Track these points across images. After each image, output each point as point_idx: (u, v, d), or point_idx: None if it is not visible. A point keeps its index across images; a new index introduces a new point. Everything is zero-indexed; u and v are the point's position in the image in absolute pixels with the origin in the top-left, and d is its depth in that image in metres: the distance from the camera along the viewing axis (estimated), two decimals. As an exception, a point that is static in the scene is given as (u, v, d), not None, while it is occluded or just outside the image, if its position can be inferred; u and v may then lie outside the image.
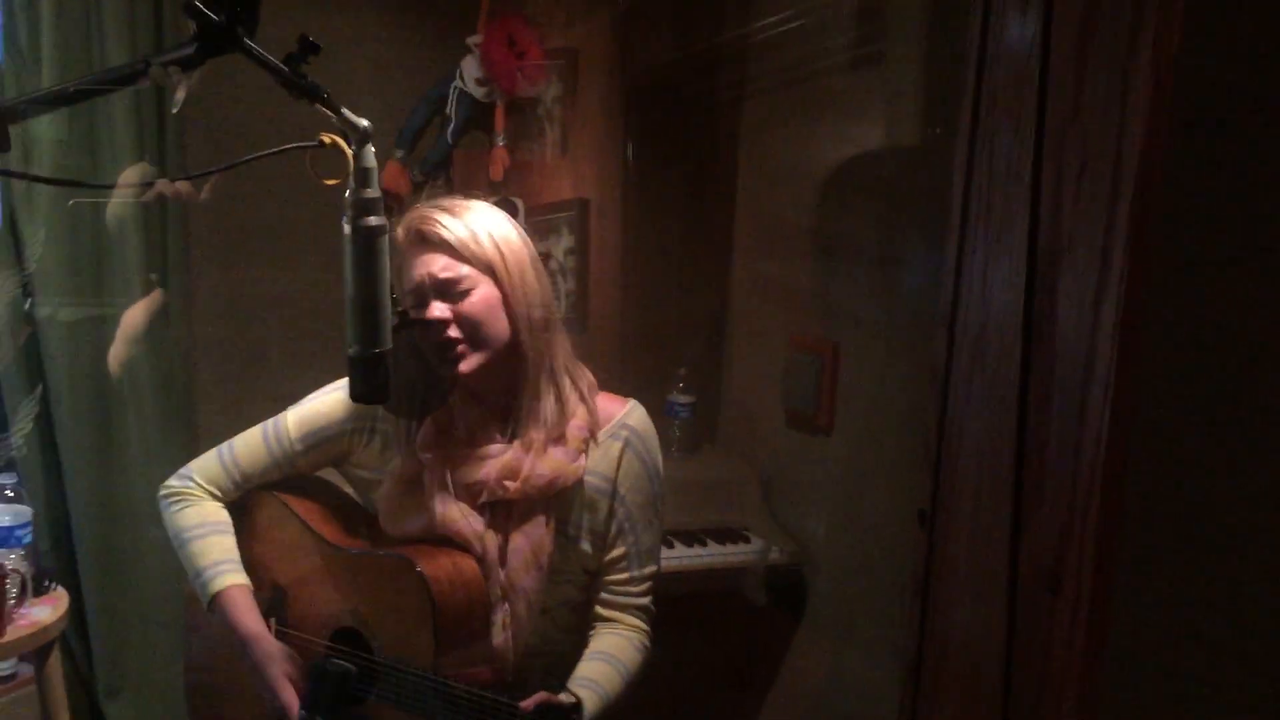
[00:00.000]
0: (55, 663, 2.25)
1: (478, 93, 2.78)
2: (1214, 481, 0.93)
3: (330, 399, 1.80)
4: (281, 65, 1.35)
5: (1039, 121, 0.91)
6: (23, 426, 2.52)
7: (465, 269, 1.65)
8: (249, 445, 1.81)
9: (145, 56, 1.30)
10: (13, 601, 2.13)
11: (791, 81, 2.94)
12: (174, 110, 2.70)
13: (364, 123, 1.43)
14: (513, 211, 2.94)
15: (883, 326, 2.52)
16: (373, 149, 1.45)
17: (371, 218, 1.43)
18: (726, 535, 2.80)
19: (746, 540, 2.80)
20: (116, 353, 2.59)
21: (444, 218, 1.66)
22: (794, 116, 2.93)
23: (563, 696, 1.61)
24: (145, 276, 2.64)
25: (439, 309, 1.64)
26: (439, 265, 1.65)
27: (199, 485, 1.80)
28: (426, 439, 1.71)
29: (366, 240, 1.44)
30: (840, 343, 2.65)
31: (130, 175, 2.61)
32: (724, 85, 3.21)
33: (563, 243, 3.18)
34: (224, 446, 1.83)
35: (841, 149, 2.71)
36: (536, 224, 3.16)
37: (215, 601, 1.72)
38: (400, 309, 1.64)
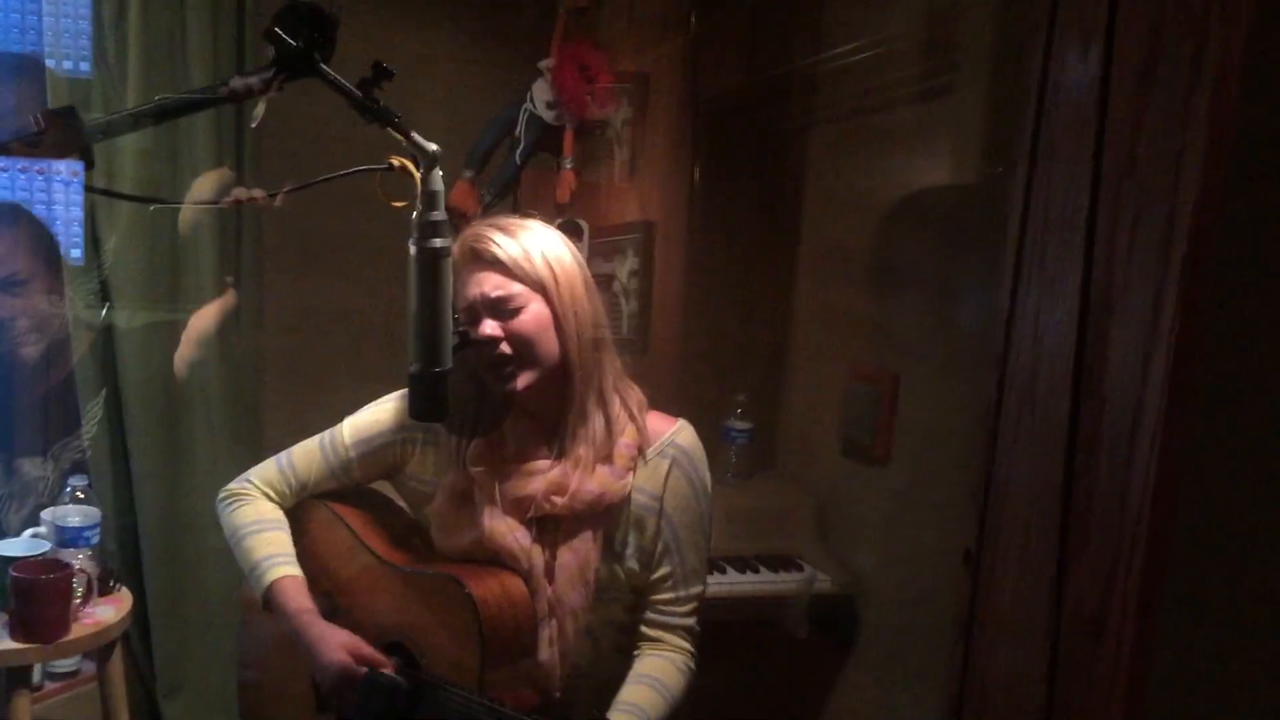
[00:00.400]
0: (117, 662, 2.30)
1: (547, 116, 2.82)
2: (1262, 534, 0.92)
3: (384, 409, 1.84)
4: (355, 90, 1.40)
5: (1095, 168, 0.92)
6: (89, 430, 2.59)
7: (517, 287, 1.67)
8: (306, 453, 1.85)
9: (225, 80, 1.35)
10: (78, 600, 2.19)
11: (859, 111, 2.95)
12: (253, 124, 2.77)
13: (433, 147, 1.46)
14: (577, 233, 2.98)
15: (942, 360, 2.50)
16: (440, 173, 1.48)
17: (437, 240, 1.47)
18: (779, 562, 2.80)
19: (799, 568, 2.79)
20: (183, 354, 2.65)
21: (499, 236, 1.69)
22: (861, 146, 2.93)
23: (604, 721, 1.63)
24: (221, 279, 2.70)
25: (490, 326, 1.67)
26: (492, 284, 1.68)
27: (256, 488, 1.85)
28: (476, 454, 1.74)
29: (431, 262, 1.47)
30: (900, 374, 2.64)
31: (209, 180, 2.67)
32: (792, 113, 3.21)
33: (627, 265, 3.20)
34: (283, 454, 1.87)
35: (907, 181, 2.71)
36: (602, 245, 3.19)
37: (270, 592, 1.75)
38: (461, 329, 1.68)
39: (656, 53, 3.20)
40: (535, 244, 1.70)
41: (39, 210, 2.68)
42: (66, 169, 2.77)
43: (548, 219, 2.01)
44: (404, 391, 1.81)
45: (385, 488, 1.93)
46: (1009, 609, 1.01)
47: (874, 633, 2.71)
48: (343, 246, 2.88)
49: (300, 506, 1.87)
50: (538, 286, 1.68)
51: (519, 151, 2.85)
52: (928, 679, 2.48)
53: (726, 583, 2.68)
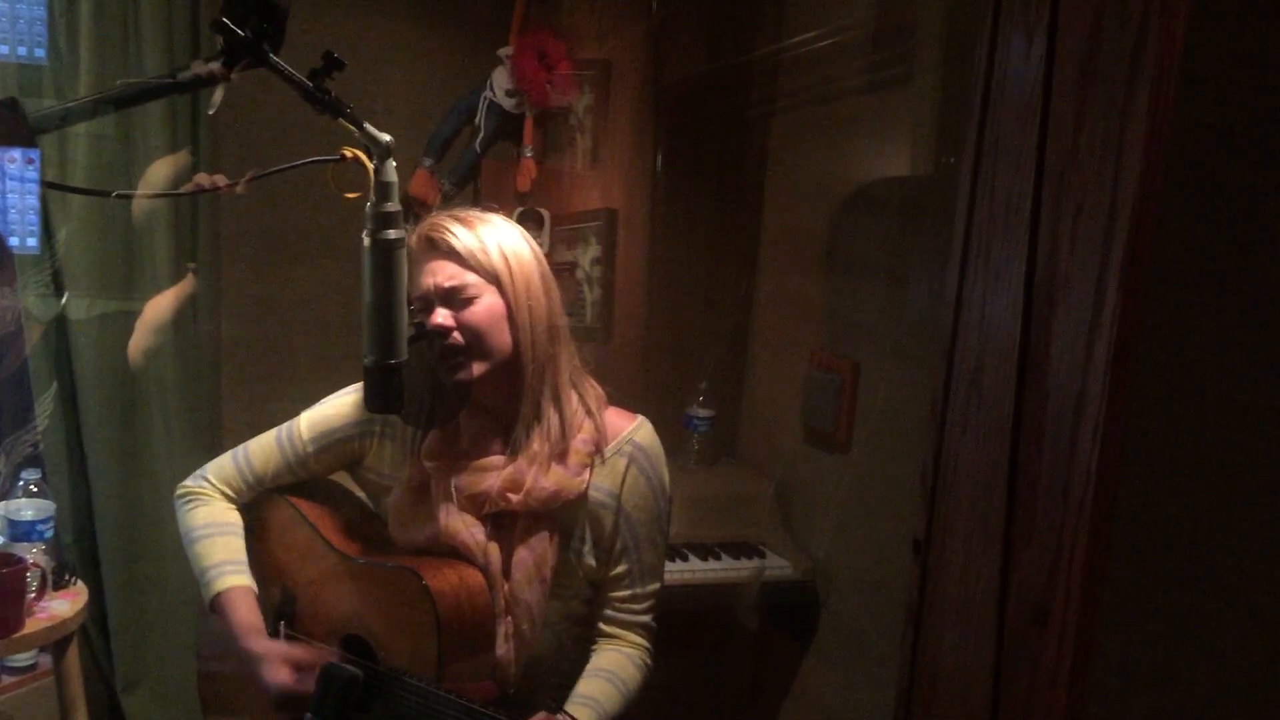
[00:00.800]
0: (73, 656, 2.29)
1: (507, 104, 2.81)
2: (1202, 522, 0.94)
3: (342, 401, 1.82)
4: (306, 81, 1.38)
5: (1040, 159, 0.93)
6: (42, 423, 2.56)
7: (471, 278, 1.67)
8: (263, 447, 1.84)
9: (174, 71, 1.34)
10: (32, 595, 2.18)
11: (820, 99, 2.95)
12: (210, 112, 2.74)
13: (386, 138, 1.45)
14: (538, 223, 2.98)
15: (900, 347, 2.52)
16: (394, 164, 1.48)
17: (390, 231, 1.46)
18: (741, 549, 2.81)
19: (760, 555, 2.80)
20: (138, 342, 2.62)
21: (455, 227, 1.69)
22: (821, 134, 2.94)
23: (561, 718, 1.63)
24: (177, 267, 2.67)
25: (442, 316, 1.66)
26: (446, 273, 1.67)
27: (212, 485, 1.83)
28: (431, 449, 1.73)
29: (384, 253, 1.47)
30: (860, 362, 2.66)
31: (166, 166, 2.64)
32: (754, 101, 3.22)
33: (590, 252, 3.20)
34: (239, 449, 1.85)
35: (865, 169, 2.72)
36: (565, 233, 3.19)
37: (216, 602, 1.74)
38: (417, 320, 1.67)
39: (618, 40, 3.19)
40: (492, 236, 1.69)
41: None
42: (21, 156, 2.75)
43: (508, 208, 2.01)
44: (360, 384, 1.81)
45: (345, 479, 1.92)
46: (957, 597, 1.02)
47: (834, 619, 2.73)
48: (301, 236, 2.86)
49: (257, 500, 1.85)
50: (492, 278, 1.67)
51: (479, 140, 2.84)
52: (886, 665, 2.49)
53: (688, 570, 2.69)
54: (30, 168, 2.75)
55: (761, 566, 2.75)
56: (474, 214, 1.73)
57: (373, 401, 1.52)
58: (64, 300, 2.56)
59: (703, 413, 3.03)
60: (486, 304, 1.67)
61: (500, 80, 2.82)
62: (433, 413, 1.71)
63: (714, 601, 2.70)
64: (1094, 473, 0.86)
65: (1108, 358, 0.85)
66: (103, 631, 2.67)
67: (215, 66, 1.34)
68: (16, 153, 2.81)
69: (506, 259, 1.68)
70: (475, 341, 1.66)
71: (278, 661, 1.65)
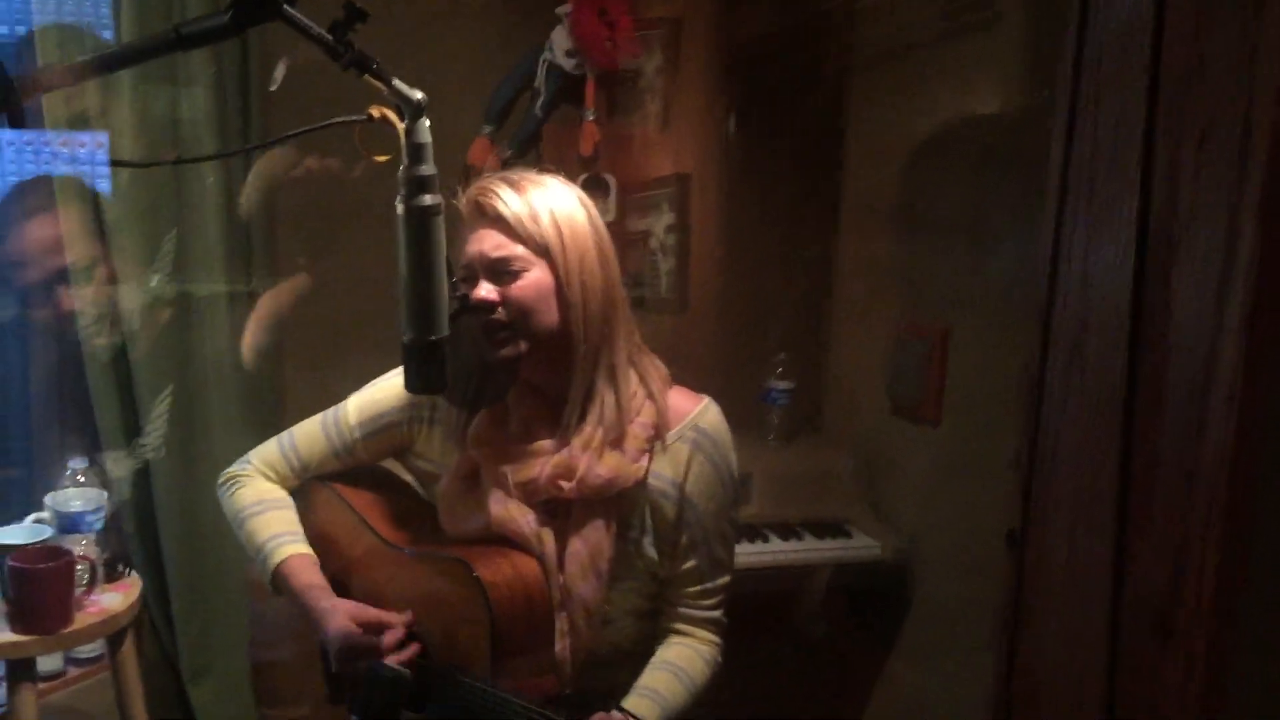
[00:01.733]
0: (129, 649, 2.23)
1: (567, 65, 2.67)
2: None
3: (390, 384, 1.73)
4: (325, 34, 1.27)
5: (1153, 75, 0.77)
6: (157, 426, 2.53)
7: (518, 249, 1.54)
8: (308, 433, 1.75)
9: (176, 25, 1.23)
10: (82, 589, 2.12)
11: (899, 50, 2.78)
12: (272, 88, 2.67)
13: (418, 95, 1.34)
14: (603, 189, 2.85)
15: (996, 311, 2.35)
16: (427, 123, 1.36)
17: (425, 196, 1.35)
18: (825, 529, 2.67)
19: (847, 535, 2.66)
20: (251, 338, 2.58)
21: (504, 191, 1.56)
22: (901, 87, 2.77)
23: (617, 716, 1.51)
24: (289, 259, 2.61)
25: (486, 289, 1.54)
26: (491, 242, 1.55)
27: (256, 469, 1.75)
28: (479, 434, 1.62)
29: (420, 221, 1.35)
30: (951, 328, 2.49)
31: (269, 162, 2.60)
32: (830, 55, 3.05)
33: (663, 220, 3.07)
34: (284, 434, 1.77)
35: (950, 121, 2.55)
36: (636, 201, 3.06)
37: (278, 572, 1.65)
38: (460, 293, 1.55)
39: (689, -3, 3.05)
40: (543, 202, 1.56)
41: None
42: (91, 141, 2.70)
43: (572, 174, 1.88)
44: None
45: (395, 467, 1.82)
46: (1061, 601, 0.87)
47: (927, 604, 2.58)
48: (359, 212, 2.77)
49: (303, 488, 1.77)
50: (541, 249, 1.55)
51: (539, 104, 2.71)
52: (985, 656, 2.34)
53: (769, 551, 2.56)
54: (100, 150, 2.72)
55: (865, 545, 2.62)
56: (527, 177, 1.60)
57: (412, 382, 1.40)
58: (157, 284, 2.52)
59: (782, 385, 2.88)
60: (534, 278, 1.54)
61: (560, 40, 2.68)
62: (480, 394, 1.59)
63: (797, 583, 2.58)
64: (1228, 453, 0.71)
65: (1244, 312, 0.69)
66: (168, 621, 2.62)
67: (224, 19, 1.23)
68: (86, 135, 2.79)
69: (559, 227, 1.55)
70: (520, 318, 1.54)
71: (345, 615, 1.56)
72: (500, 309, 1.54)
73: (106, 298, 2.50)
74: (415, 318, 1.38)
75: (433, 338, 1.38)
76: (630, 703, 1.58)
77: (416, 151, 1.35)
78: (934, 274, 2.59)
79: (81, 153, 2.64)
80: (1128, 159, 0.79)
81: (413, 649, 1.56)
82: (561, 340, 1.57)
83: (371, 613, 1.58)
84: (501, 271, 1.54)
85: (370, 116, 1.35)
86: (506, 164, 2.71)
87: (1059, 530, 0.87)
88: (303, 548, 1.69)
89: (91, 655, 2.41)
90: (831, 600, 2.64)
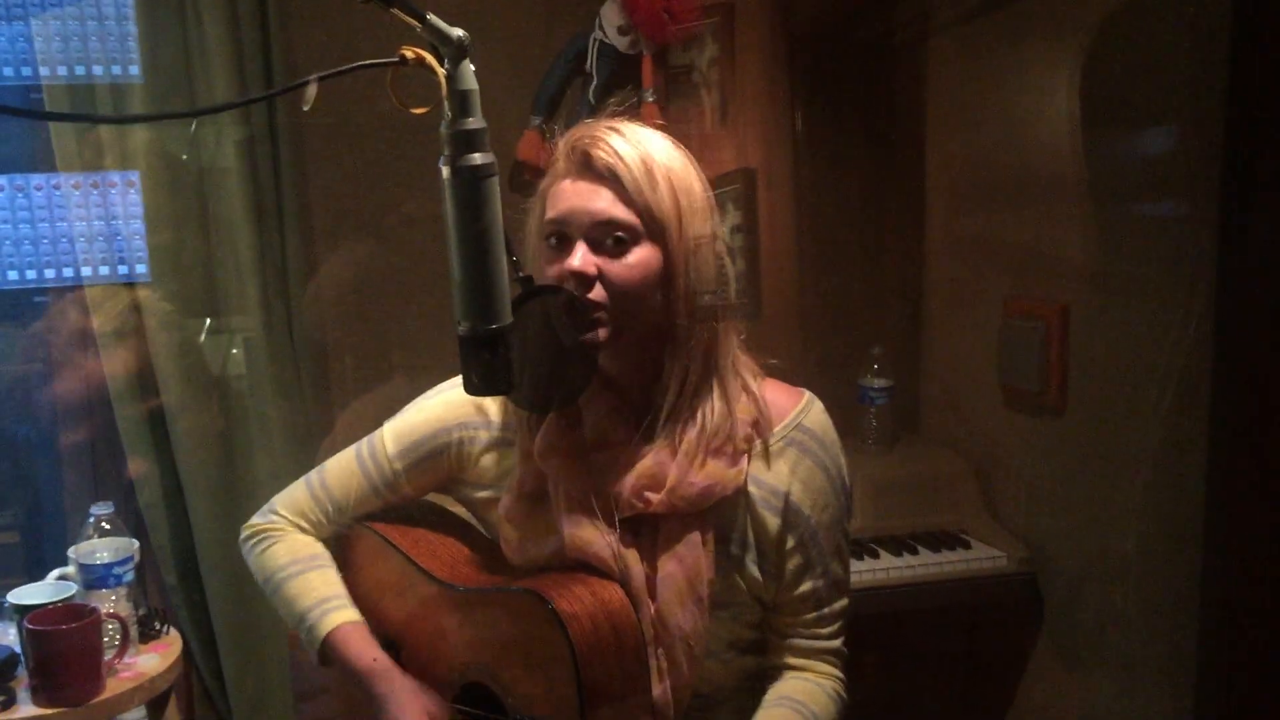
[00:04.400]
0: (173, 715, 2.00)
1: (620, 43, 2.43)
2: None
3: (431, 404, 1.48)
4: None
5: None
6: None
7: (631, 218, 1.29)
8: (342, 470, 1.50)
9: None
10: (113, 652, 1.88)
11: (980, 9, 2.52)
12: (305, 108, 2.48)
13: (458, 33, 1.10)
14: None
15: (1126, 280, 2.08)
16: (471, 67, 1.12)
17: (475, 155, 1.11)
18: (941, 540, 2.40)
19: (966, 545, 2.39)
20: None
21: (618, 143, 1.30)
22: (991, 46, 2.51)
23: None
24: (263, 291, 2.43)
25: (581, 258, 1.29)
26: (601, 202, 1.29)
27: (285, 520, 1.51)
28: (547, 443, 1.36)
29: (471, 185, 1.11)
30: (1070, 304, 2.21)
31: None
32: (902, 24, 2.85)
33: (729, 220, 2.83)
34: (313, 474, 1.53)
35: (1046, 79, 2.28)
36: (698, 202, 2.83)
37: (327, 644, 1.42)
38: (524, 274, 1.30)
39: (739, -22, 2.82)
40: (662, 167, 1.30)
41: (97, 226, 2.48)
42: (121, 180, 2.54)
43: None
44: (455, 381, 1.46)
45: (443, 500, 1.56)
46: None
47: (1063, 617, 2.30)
48: (391, 213, 2.57)
49: (337, 535, 1.53)
50: (657, 225, 1.29)
51: (593, 88, 2.48)
52: (1136, 670, 2.06)
53: (881, 568, 2.30)
54: (132, 189, 2.55)
55: (989, 556, 2.34)
56: (638, 130, 1.34)
57: (472, 382, 1.15)
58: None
59: (879, 383, 2.61)
60: (643, 256, 1.30)
61: (610, 16, 2.44)
62: (554, 392, 1.32)
63: (914, 603, 2.31)
64: None
65: None
66: (219, 682, 2.40)
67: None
68: (117, 175, 2.63)
69: (677, 199, 1.30)
70: (620, 301, 1.29)
71: (418, 710, 1.34)
72: (598, 284, 1.29)
73: (134, 328, 2.32)
74: (472, 304, 1.13)
75: (494, 326, 1.13)
76: None
77: (461, 101, 1.11)
78: (1043, 247, 2.31)
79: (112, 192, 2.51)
80: None
81: None
82: (659, 331, 1.32)
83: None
84: (604, 240, 1.29)
85: (403, 58, 1.11)
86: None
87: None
88: (352, 614, 1.45)
89: (136, 723, 2.18)
90: (955, 617, 2.37)
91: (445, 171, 1.11)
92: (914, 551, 2.36)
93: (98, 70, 2.37)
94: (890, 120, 2.90)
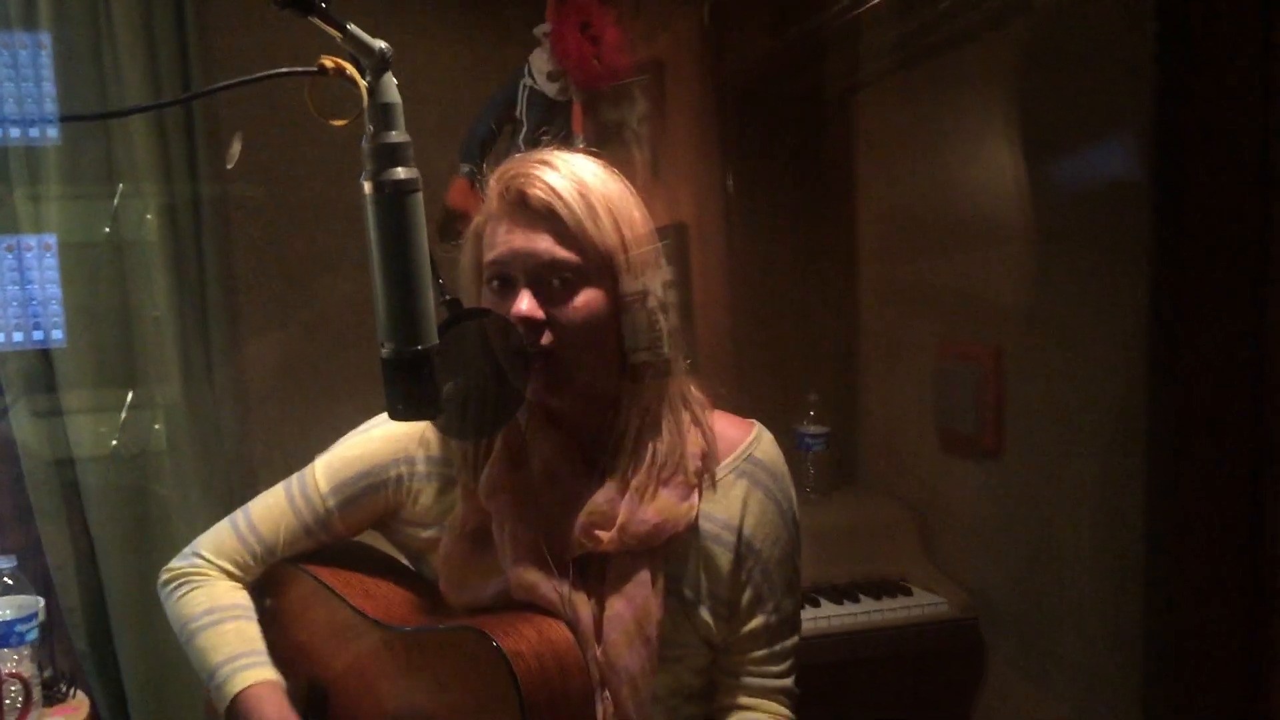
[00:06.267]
0: (78, 784, 1.89)
1: (550, 90, 2.41)
2: None
3: (365, 439, 1.41)
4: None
5: None
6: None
7: (575, 257, 1.24)
8: (270, 509, 1.42)
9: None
10: (14, 716, 1.77)
11: (916, 56, 2.54)
12: (229, 166, 2.43)
13: (380, 44, 1.07)
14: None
15: (1060, 321, 2.07)
16: (394, 80, 1.08)
17: (399, 170, 1.06)
18: (882, 588, 2.38)
19: (907, 593, 2.37)
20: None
21: (553, 178, 1.25)
22: (920, 96, 2.54)
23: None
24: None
25: (528, 304, 1.24)
26: (543, 244, 1.24)
27: (208, 563, 1.42)
28: (492, 481, 1.30)
29: (394, 199, 1.07)
30: (1003, 346, 2.21)
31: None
32: (833, 75, 2.86)
33: (659, 276, 2.81)
34: (238, 514, 1.44)
35: (983, 120, 2.29)
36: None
37: (235, 705, 1.33)
38: (449, 296, 1.25)
39: (669, 35, 2.82)
40: (602, 199, 1.26)
41: (11, 291, 2.37)
42: (38, 244, 2.47)
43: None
44: (385, 416, 1.38)
45: (375, 539, 1.49)
46: None
47: (1007, 662, 2.26)
48: (318, 255, 2.52)
49: (266, 575, 1.44)
50: (602, 260, 1.25)
51: (523, 135, 2.45)
52: (1082, 709, 2.04)
53: (823, 616, 2.27)
54: (49, 253, 2.47)
55: (930, 603, 2.33)
56: (569, 160, 1.29)
57: (396, 408, 1.10)
58: None
59: (815, 429, 2.59)
60: (589, 297, 1.25)
61: (539, 63, 2.42)
62: (485, 419, 1.27)
63: (857, 651, 2.27)
64: None
65: None
66: (130, 754, 2.27)
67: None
68: (33, 240, 2.55)
69: (621, 234, 1.26)
70: (569, 343, 1.25)
71: None
72: (547, 331, 1.24)
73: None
74: (395, 325, 1.08)
75: (419, 348, 1.08)
76: None
77: (384, 114, 1.07)
78: (976, 291, 2.31)
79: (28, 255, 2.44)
80: None
81: None
82: (608, 366, 1.28)
83: None
84: (550, 281, 1.25)
85: (323, 68, 1.07)
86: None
87: None
88: (267, 673, 1.36)
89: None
90: (897, 666, 2.33)
91: (367, 187, 1.07)
92: (855, 600, 2.33)
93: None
94: (821, 171, 2.92)
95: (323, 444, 1.47)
